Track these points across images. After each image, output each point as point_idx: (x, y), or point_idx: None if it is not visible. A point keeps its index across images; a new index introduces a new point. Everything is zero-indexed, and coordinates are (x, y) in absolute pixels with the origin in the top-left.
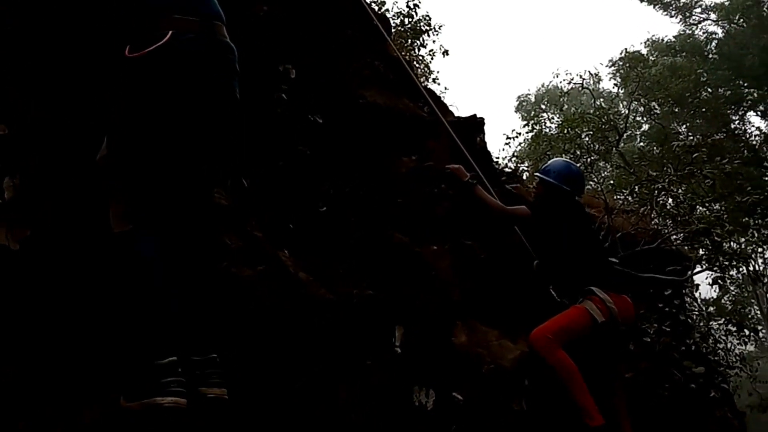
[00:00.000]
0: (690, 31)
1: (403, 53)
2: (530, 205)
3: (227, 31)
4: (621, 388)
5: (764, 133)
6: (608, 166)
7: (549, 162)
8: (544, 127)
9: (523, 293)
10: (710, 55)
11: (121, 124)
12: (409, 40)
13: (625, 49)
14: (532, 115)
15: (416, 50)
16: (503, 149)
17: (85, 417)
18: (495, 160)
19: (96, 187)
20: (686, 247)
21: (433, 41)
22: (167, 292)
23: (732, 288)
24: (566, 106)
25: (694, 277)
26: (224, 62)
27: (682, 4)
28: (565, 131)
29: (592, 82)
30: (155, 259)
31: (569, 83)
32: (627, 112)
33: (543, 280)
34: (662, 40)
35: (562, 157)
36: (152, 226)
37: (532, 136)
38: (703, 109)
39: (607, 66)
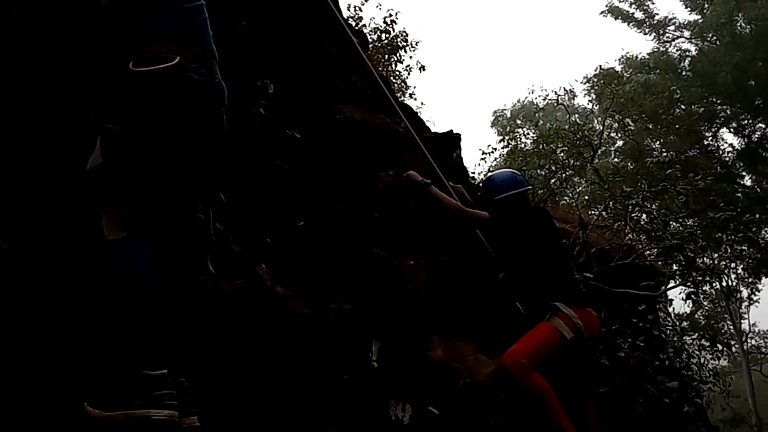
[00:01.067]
0: (664, 49)
1: (380, 69)
2: (490, 213)
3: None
4: (590, 400)
5: (737, 149)
6: (583, 182)
7: (487, 187)
8: (519, 142)
9: (499, 308)
10: (684, 73)
11: (120, 134)
12: (386, 56)
13: (600, 65)
14: (507, 130)
15: (393, 66)
16: (479, 164)
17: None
18: (471, 175)
19: (84, 195)
20: (660, 263)
21: (410, 57)
22: (158, 303)
23: (705, 303)
24: (541, 122)
25: (668, 293)
26: (218, 95)
27: (656, 22)
28: (540, 147)
29: (567, 98)
30: (147, 268)
31: (544, 99)
32: (601, 128)
33: (508, 294)
34: (636, 57)
35: (537, 171)
36: (144, 235)
37: (507, 151)
38: (677, 126)
39: (582, 82)
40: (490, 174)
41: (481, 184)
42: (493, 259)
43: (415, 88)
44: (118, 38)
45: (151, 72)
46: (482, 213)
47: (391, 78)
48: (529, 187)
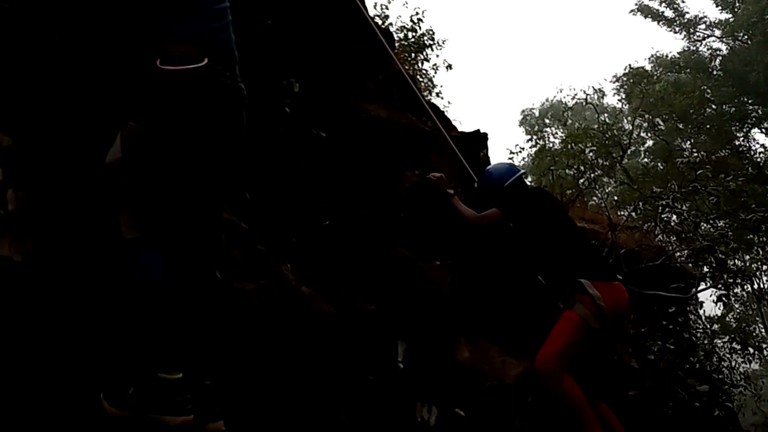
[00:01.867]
0: (694, 48)
1: (406, 68)
2: (499, 205)
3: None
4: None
5: None
6: (612, 182)
7: (486, 180)
8: (547, 141)
9: (526, 309)
10: (714, 72)
11: (141, 131)
12: (413, 54)
13: (629, 65)
14: (535, 129)
15: (420, 64)
16: None
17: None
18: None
19: (103, 192)
20: (690, 265)
21: (437, 55)
22: (172, 306)
23: (736, 306)
24: (570, 122)
25: (699, 295)
26: (240, 99)
27: (686, 21)
28: (569, 146)
29: (596, 97)
30: (160, 271)
31: (573, 98)
32: (631, 128)
33: (534, 275)
34: (666, 56)
35: (565, 171)
36: (162, 236)
37: (535, 150)
38: (708, 126)
39: (611, 82)
40: (485, 170)
41: (480, 183)
42: (516, 253)
43: (441, 87)
44: (143, 37)
45: (180, 72)
46: (493, 212)
47: (418, 77)
48: (524, 172)
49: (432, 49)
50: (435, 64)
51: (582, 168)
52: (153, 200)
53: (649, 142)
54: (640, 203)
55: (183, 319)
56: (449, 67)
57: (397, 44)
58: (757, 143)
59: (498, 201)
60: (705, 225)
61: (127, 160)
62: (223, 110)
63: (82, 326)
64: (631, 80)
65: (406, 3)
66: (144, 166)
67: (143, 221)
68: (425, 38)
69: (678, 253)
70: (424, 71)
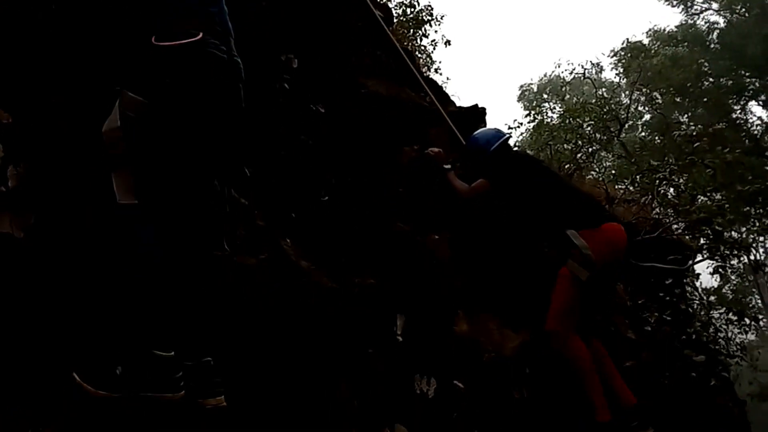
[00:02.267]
0: (692, 21)
1: (405, 43)
2: (487, 172)
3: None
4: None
5: (765, 122)
6: (610, 156)
7: (473, 145)
8: (545, 116)
9: (524, 280)
10: (712, 45)
11: (139, 103)
12: (411, 30)
13: (627, 39)
14: (533, 104)
15: (418, 40)
16: None
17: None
18: None
19: (99, 158)
20: (687, 237)
21: (435, 31)
22: (165, 280)
23: (733, 277)
24: (568, 96)
25: (695, 267)
26: (237, 72)
27: None
28: (567, 121)
29: (594, 72)
30: (154, 245)
31: (571, 73)
32: (628, 102)
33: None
34: (664, 30)
35: (563, 146)
36: (154, 206)
37: (533, 125)
38: (705, 99)
39: (609, 56)
40: (472, 136)
41: (467, 149)
42: (510, 219)
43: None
44: (138, 13)
45: (176, 47)
46: (480, 183)
47: (416, 53)
48: (509, 135)
49: (431, 25)
50: (434, 40)
51: (580, 142)
52: (149, 169)
53: (647, 116)
54: (638, 177)
55: (177, 291)
56: (448, 43)
57: (395, 20)
58: (754, 116)
59: (485, 166)
60: (702, 197)
61: (124, 129)
62: (219, 83)
63: (78, 307)
64: (629, 54)
65: None
66: (141, 135)
67: (138, 188)
68: (424, 14)
69: (675, 226)
70: (422, 47)
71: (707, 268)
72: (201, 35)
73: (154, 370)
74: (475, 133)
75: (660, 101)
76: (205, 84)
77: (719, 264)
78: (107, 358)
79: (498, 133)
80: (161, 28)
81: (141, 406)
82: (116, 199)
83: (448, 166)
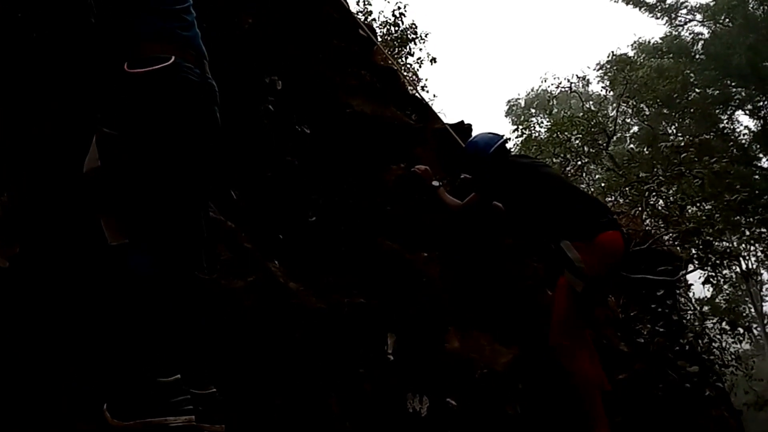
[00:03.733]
0: (676, 33)
1: (389, 62)
2: (484, 174)
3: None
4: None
5: (752, 131)
6: (598, 169)
7: (471, 149)
8: (533, 131)
9: (514, 296)
10: (697, 56)
11: (116, 137)
12: (396, 49)
13: (612, 52)
14: (521, 119)
15: (404, 59)
16: None
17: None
18: None
19: (85, 199)
20: (677, 248)
21: (420, 49)
22: (166, 309)
23: (725, 287)
24: (556, 110)
25: (688, 277)
26: (212, 95)
27: (667, 6)
28: (555, 135)
29: (580, 85)
30: (152, 276)
31: (558, 87)
32: (616, 114)
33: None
34: (649, 42)
35: (552, 160)
36: (147, 239)
37: (522, 140)
38: (692, 110)
39: (595, 69)
40: (470, 140)
41: (466, 153)
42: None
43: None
44: (111, 39)
45: (147, 73)
46: (472, 197)
47: (402, 71)
48: (507, 138)
49: (415, 43)
50: (419, 58)
51: (568, 156)
52: (134, 205)
53: (635, 128)
54: (627, 188)
55: (175, 318)
56: (433, 60)
57: (379, 39)
58: (741, 125)
59: (483, 170)
60: (691, 208)
61: (104, 167)
62: (193, 107)
63: (76, 333)
64: (615, 67)
65: None
66: (122, 171)
67: (127, 226)
68: (408, 32)
69: (665, 237)
70: (408, 65)
71: (699, 278)
72: (173, 59)
73: (159, 396)
74: (473, 137)
75: (647, 113)
76: (178, 109)
77: (710, 273)
78: (120, 387)
79: (496, 137)
80: (133, 55)
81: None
82: (107, 242)
83: (437, 183)
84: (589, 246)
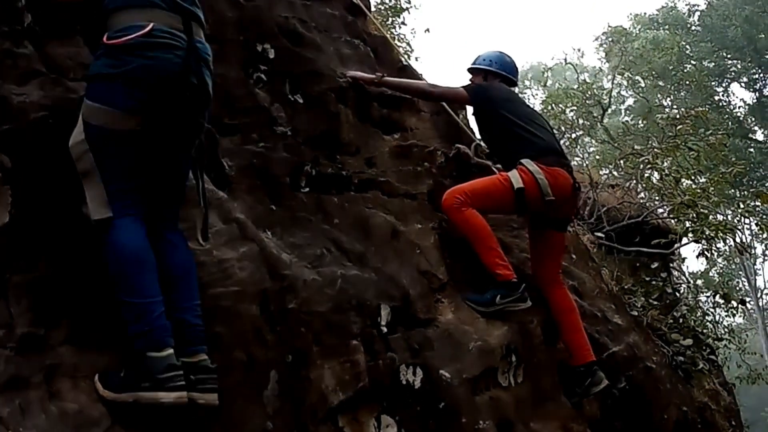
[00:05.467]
0: (672, 4)
1: (384, 32)
2: (468, 89)
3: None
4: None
5: (748, 104)
6: (593, 142)
7: (482, 55)
8: (528, 103)
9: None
10: (693, 28)
11: (100, 110)
12: (390, 19)
13: (608, 23)
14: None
15: (397, 28)
16: None
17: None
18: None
19: (68, 174)
20: (672, 220)
21: (414, 19)
22: (154, 282)
23: (720, 260)
24: (550, 82)
25: (682, 251)
26: (200, 56)
27: None
28: (550, 107)
29: (576, 57)
30: (139, 248)
31: (553, 58)
32: (611, 86)
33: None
34: (645, 13)
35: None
36: (131, 213)
37: None
38: (687, 82)
39: (591, 41)
40: (493, 53)
41: (479, 58)
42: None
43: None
44: (94, 9)
45: (124, 44)
46: (454, 89)
47: (396, 41)
48: (513, 79)
49: (409, 12)
50: (413, 29)
51: (563, 128)
52: (118, 177)
53: (630, 101)
54: (621, 161)
55: (164, 289)
56: (427, 30)
57: (373, 8)
58: (737, 97)
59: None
60: (686, 181)
61: (89, 140)
62: (176, 73)
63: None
64: (610, 39)
65: None
66: (105, 144)
67: (110, 199)
68: (402, 1)
69: (660, 210)
70: (401, 35)
71: (693, 251)
72: (151, 26)
73: (149, 372)
74: (491, 52)
75: (642, 85)
76: (159, 76)
77: (705, 247)
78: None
79: (503, 62)
80: (113, 23)
81: (143, 408)
82: (90, 216)
83: (380, 74)
84: (549, 169)
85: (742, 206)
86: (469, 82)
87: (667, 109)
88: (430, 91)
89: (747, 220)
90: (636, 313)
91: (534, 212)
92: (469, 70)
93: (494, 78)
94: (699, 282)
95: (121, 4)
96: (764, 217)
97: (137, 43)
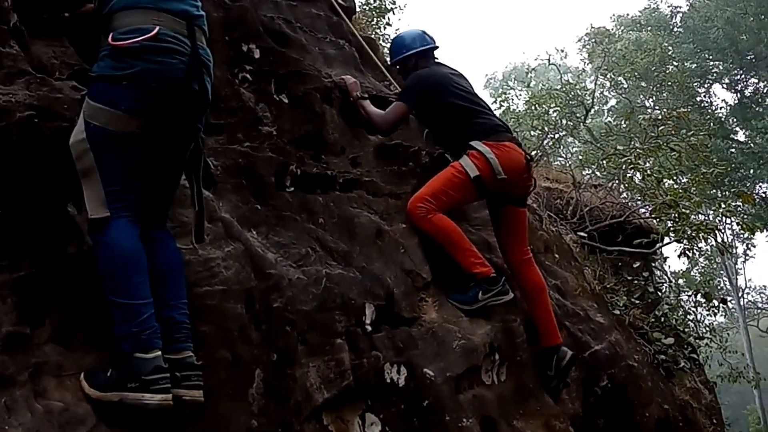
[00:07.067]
0: (655, 6)
1: (369, 32)
2: (403, 99)
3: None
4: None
5: (730, 105)
6: (576, 142)
7: (398, 44)
8: (511, 104)
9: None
10: (675, 29)
11: (101, 109)
12: (375, 19)
13: (591, 24)
14: (499, 92)
15: (382, 29)
16: None
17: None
18: None
19: (68, 170)
20: (654, 220)
21: (399, 19)
22: (145, 284)
23: (701, 260)
24: (534, 83)
25: (664, 250)
26: (203, 63)
27: None
28: (533, 108)
29: (559, 58)
30: (132, 250)
31: (536, 59)
32: (594, 87)
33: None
34: (627, 15)
35: (530, 133)
36: (126, 215)
37: (500, 113)
38: (669, 83)
39: (574, 42)
40: (399, 34)
41: (392, 47)
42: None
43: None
44: (99, 9)
45: (131, 45)
46: (398, 107)
47: (380, 42)
48: (436, 45)
49: (393, 13)
50: (398, 29)
51: (546, 129)
52: (116, 178)
53: (612, 101)
54: (604, 161)
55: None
56: None
57: (358, 9)
58: (719, 98)
59: (403, 67)
60: (668, 181)
61: (90, 139)
62: (179, 79)
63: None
64: (593, 40)
65: None
66: (105, 144)
67: (109, 198)
68: (387, 2)
69: (642, 209)
70: (387, 36)
71: (675, 251)
72: (157, 29)
73: (134, 373)
74: (405, 31)
75: (625, 86)
76: (163, 82)
77: (686, 247)
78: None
79: (427, 37)
80: (119, 24)
81: (128, 409)
82: (88, 215)
83: (365, 95)
84: (499, 146)
85: (723, 206)
86: (404, 80)
87: (649, 110)
88: (378, 123)
89: (728, 220)
90: (618, 312)
91: (492, 193)
92: (398, 62)
93: (424, 58)
94: (681, 281)
95: (127, 4)
96: (745, 217)
97: (143, 47)
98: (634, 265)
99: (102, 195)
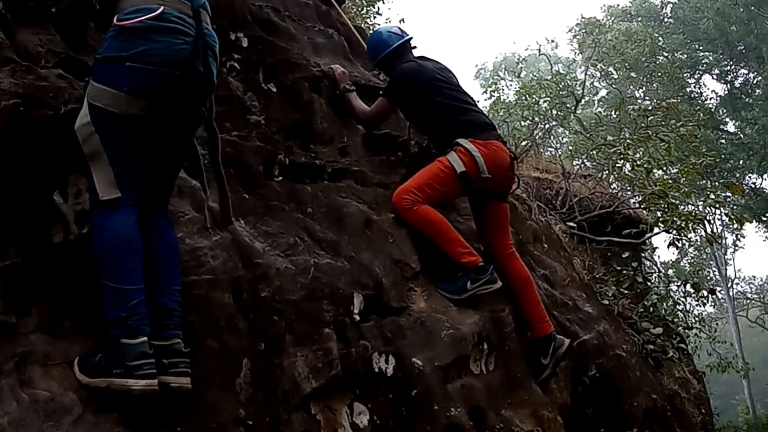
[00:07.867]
0: None
1: (358, 21)
2: (384, 93)
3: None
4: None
5: (720, 96)
6: (566, 132)
7: (376, 42)
8: (502, 94)
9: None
10: (665, 20)
11: (106, 92)
12: (365, 8)
13: (582, 14)
14: (490, 83)
15: (372, 18)
16: None
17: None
18: None
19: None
20: (643, 211)
21: (389, 8)
22: (138, 270)
23: (690, 250)
24: (524, 73)
25: (654, 241)
26: (208, 45)
27: None
28: (523, 98)
29: (550, 48)
30: (127, 235)
31: (526, 49)
32: (584, 77)
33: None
34: (618, 5)
35: (520, 123)
36: (125, 198)
37: (490, 104)
38: (659, 74)
39: (565, 32)
40: (375, 30)
41: (368, 46)
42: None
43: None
44: None
45: (135, 25)
46: (381, 103)
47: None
48: (410, 36)
49: (383, 2)
50: (387, 18)
51: (536, 119)
52: (118, 160)
53: (603, 92)
54: (594, 152)
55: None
56: (402, 21)
57: None
58: (708, 89)
59: (382, 65)
60: (657, 171)
61: (95, 123)
62: (183, 59)
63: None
64: (584, 30)
65: None
66: (109, 126)
67: (117, 181)
68: None
69: (631, 200)
70: (376, 25)
71: (664, 241)
72: (161, 9)
73: (120, 359)
74: (379, 27)
75: (615, 76)
76: (167, 63)
77: (675, 237)
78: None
79: (401, 32)
80: (123, 5)
81: (115, 394)
82: (98, 197)
83: (352, 88)
84: (485, 144)
85: (712, 197)
86: (388, 77)
87: (639, 101)
88: (361, 118)
89: (717, 211)
90: (607, 302)
91: (475, 190)
92: (380, 62)
93: (403, 51)
94: (670, 271)
95: None
96: (734, 207)
97: (147, 27)
98: (623, 255)
99: (111, 177)
